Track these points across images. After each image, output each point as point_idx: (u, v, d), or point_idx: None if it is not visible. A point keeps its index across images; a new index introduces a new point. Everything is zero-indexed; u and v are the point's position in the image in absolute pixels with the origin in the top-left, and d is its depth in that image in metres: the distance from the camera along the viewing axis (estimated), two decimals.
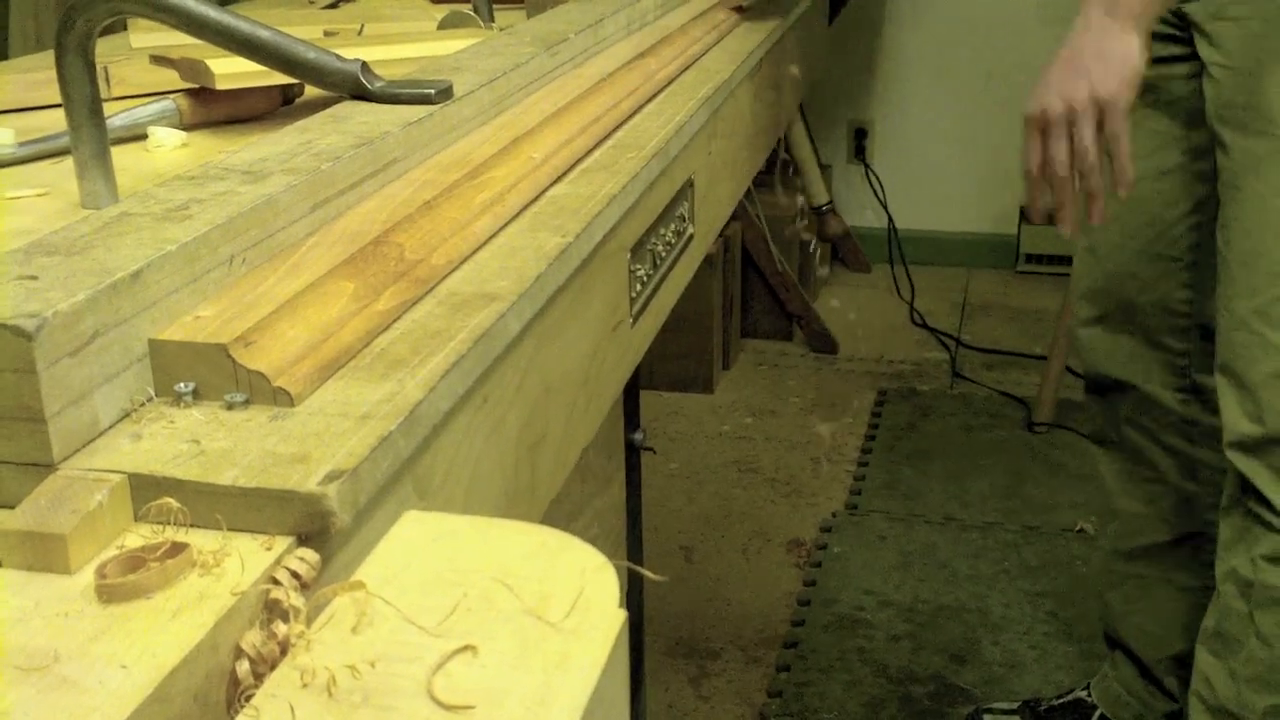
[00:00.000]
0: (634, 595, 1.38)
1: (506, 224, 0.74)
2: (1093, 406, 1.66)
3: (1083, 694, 1.75)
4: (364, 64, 0.82)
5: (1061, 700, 1.77)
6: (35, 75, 1.01)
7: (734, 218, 2.92)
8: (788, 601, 2.13)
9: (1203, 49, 1.37)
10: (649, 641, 1.90)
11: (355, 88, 0.82)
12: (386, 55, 0.98)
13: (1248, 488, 1.37)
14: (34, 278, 0.50)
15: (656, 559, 2.21)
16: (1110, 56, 1.18)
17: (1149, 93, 1.48)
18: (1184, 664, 1.56)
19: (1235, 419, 1.37)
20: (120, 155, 0.78)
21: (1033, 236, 3.39)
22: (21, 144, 0.85)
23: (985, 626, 2.03)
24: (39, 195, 0.77)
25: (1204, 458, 1.54)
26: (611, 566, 0.43)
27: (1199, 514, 1.57)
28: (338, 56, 0.82)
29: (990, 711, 1.80)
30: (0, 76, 1.02)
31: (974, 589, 2.12)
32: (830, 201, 2.97)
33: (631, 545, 1.26)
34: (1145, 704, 1.66)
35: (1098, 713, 1.72)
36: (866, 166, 3.54)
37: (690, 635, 2.06)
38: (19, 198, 0.76)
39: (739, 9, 1.48)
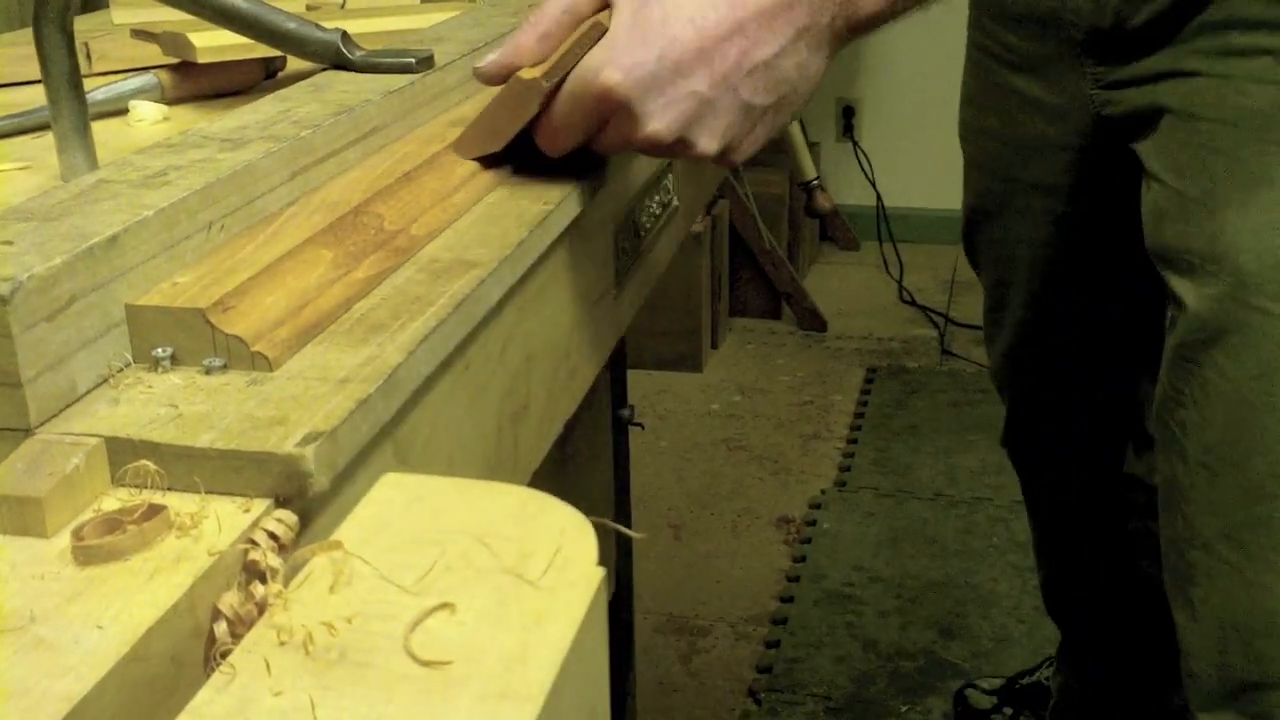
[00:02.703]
0: (623, 572, 1.38)
1: (486, 195, 0.73)
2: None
3: None
4: (345, 33, 0.82)
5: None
6: (17, 50, 1.00)
7: (721, 196, 2.92)
8: (777, 578, 2.14)
9: (1142, 147, 1.02)
10: (638, 619, 1.91)
11: (336, 58, 0.81)
12: (369, 29, 0.98)
13: None
14: (9, 243, 0.50)
15: (645, 537, 2.22)
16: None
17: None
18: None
19: (1203, 665, 1.02)
20: (101, 130, 0.77)
21: None
22: (2, 118, 0.84)
23: (974, 601, 2.03)
24: (19, 169, 0.77)
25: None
26: (590, 526, 0.43)
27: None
28: (318, 26, 0.81)
29: (974, 687, 1.79)
30: None
31: (963, 564, 2.13)
32: (818, 178, 2.97)
33: (620, 522, 1.26)
34: None
35: None
36: (855, 144, 3.54)
37: (680, 612, 2.06)
38: None
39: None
